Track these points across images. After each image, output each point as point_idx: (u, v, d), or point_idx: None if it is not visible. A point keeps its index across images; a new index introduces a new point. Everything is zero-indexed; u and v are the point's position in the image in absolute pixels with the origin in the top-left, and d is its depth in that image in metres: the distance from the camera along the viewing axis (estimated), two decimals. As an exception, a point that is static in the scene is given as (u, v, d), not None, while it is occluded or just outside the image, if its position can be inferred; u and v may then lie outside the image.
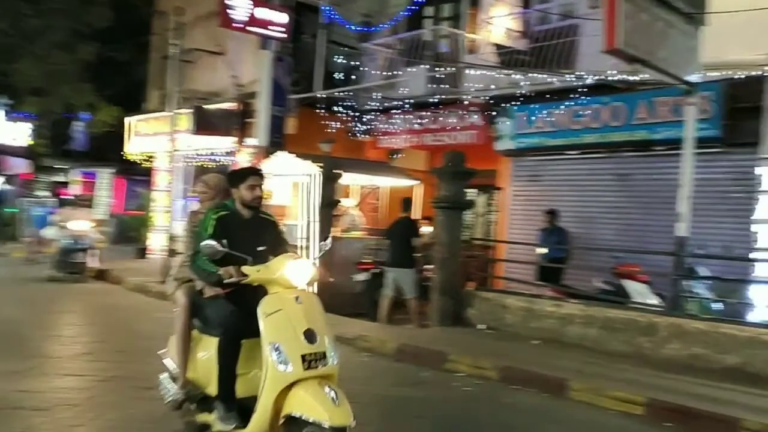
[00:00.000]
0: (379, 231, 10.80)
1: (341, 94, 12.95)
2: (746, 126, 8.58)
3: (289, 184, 11.63)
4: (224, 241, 3.76)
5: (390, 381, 6.38)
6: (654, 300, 7.94)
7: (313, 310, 3.73)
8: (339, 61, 13.33)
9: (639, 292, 7.99)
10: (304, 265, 3.82)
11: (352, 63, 13.37)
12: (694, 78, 7.42)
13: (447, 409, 5.56)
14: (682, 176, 7.49)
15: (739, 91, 8.69)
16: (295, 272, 3.73)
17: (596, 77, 9.40)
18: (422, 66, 12.01)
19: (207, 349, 4.04)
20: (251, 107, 13.61)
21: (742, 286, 8.29)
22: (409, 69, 12.21)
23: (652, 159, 9.81)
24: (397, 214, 9.64)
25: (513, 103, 10.99)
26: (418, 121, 12.61)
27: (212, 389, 3.91)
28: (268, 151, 12.41)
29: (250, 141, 13.61)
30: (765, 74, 8.16)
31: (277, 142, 12.59)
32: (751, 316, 7.75)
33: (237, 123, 13.90)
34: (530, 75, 10.33)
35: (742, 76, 8.44)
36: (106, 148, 20.51)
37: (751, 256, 8.35)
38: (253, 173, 4.16)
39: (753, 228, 8.44)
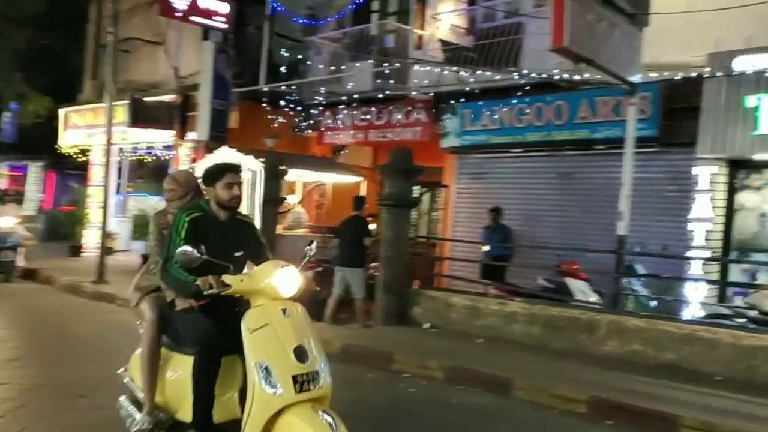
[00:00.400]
0: (326, 229, 10.67)
1: (286, 88, 12.72)
2: (683, 126, 8.80)
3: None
4: (202, 248, 3.37)
5: (335, 383, 6.24)
6: (594, 297, 8.08)
7: (302, 323, 3.36)
8: (284, 54, 13.08)
9: (580, 289, 8.12)
10: (293, 273, 3.39)
11: (298, 56, 13.14)
12: (635, 78, 7.55)
13: (392, 411, 5.49)
14: (623, 175, 7.63)
15: (676, 92, 8.90)
16: (283, 281, 3.33)
17: (541, 76, 9.49)
18: (368, 61, 11.91)
19: (178, 369, 3.68)
20: (192, 100, 13.26)
21: (678, 283, 8.54)
22: (355, 64, 12.09)
23: (593, 158, 9.98)
24: (343, 211, 9.53)
25: (459, 100, 11.01)
26: (364, 116, 12.50)
27: (184, 414, 3.56)
28: (209, 145, 12.10)
29: (190, 135, 13.24)
30: (701, 76, 8.38)
31: (219, 136, 12.30)
32: (687, 313, 7.98)
33: (177, 116, 13.52)
34: (477, 72, 10.35)
35: (679, 78, 8.65)
36: (37, 141, 19.60)
37: (687, 254, 8.60)
38: (231, 170, 3.77)
39: (689, 226, 8.71)
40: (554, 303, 7.70)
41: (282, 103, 12.91)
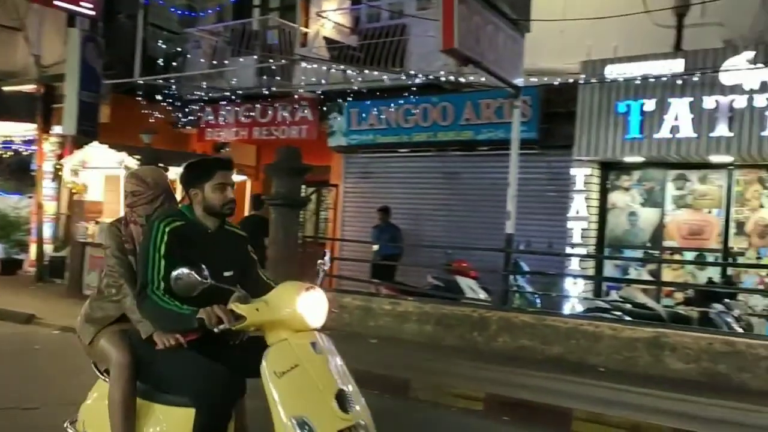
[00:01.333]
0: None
1: (163, 81, 12.05)
2: (560, 130, 9.25)
3: (101, 177, 10.61)
4: (205, 269, 2.63)
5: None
6: (483, 295, 8.30)
7: (336, 359, 2.68)
8: (161, 46, 12.39)
9: (470, 287, 8.30)
10: (320, 297, 2.67)
11: (176, 49, 12.50)
12: (519, 81, 7.83)
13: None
14: (510, 176, 7.88)
15: (553, 97, 9.36)
16: (310, 308, 2.61)
17: (427, 77, 9.61)
18: (252, 56, 11.54)
19: (163, 425, 2.87)
20: (57, 91, 12.21)
21: (560, 279, 8.96)
22: (238, 59, 11.68)
23: (477, 158, 10.28)
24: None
25: (346, 99, 10.93)
26: (248, 113, 12.11)
27: None
28: (77, 140, 11.21)
29: (56, 129, 12.21)
30: (577, 82, 8.84)
31: (88, 130, 11.42)
32: (569, 308, 8.39)
33: (39, 108, 12.40)
34: (364, 72, 10.32)
35: (558, 83, 9.07)
36: None
37: (567, 251, 9.05)
38: (222, 166, 2.95)
39: (568, 225, 9.16)
40: (446, 301, 7.81)
41: (159, 97, 12.23)
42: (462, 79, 9.15)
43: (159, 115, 12.24)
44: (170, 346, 2.80)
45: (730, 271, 8.57)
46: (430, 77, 9.57)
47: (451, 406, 5.63)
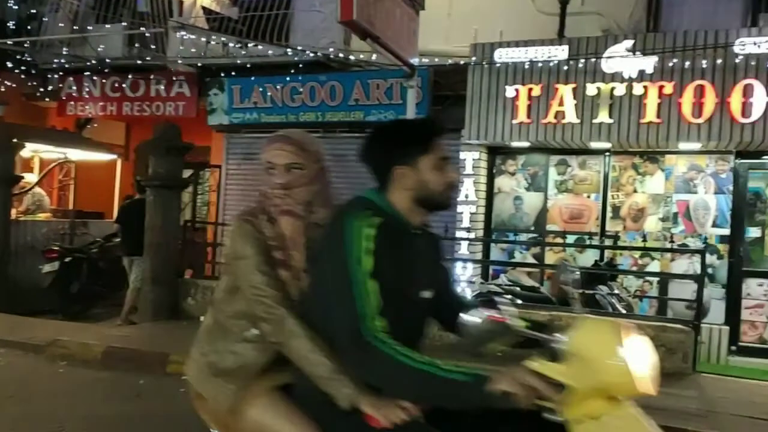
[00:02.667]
0: (74, 213, 9.29)
1: (15, 47, 10.74)
2: (451, 113, 9.20)
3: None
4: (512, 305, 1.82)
5: (99, 395, 5.35)
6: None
7: None
8: (12, 7, 11.05)
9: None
10: (644, 342, 1.71)
11: (30, 11, 11.20)
12: (414, 61, 7.65)
13: (172, 422, 4.80)
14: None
15: (444, 80, 9.29)
16: (644, 365, 1.66)
17: (317, 53, 9.22)
18: (121, 23, 10.57)
19: None
20: None
21: (451, 265, 8.94)
22: (105, 25, 10.65)
23: (366, 140, 10.03)
24: (94, 193, 8.38)
25: (228, 74, 10.28)
26: (116, 87, 11.09)
27: None
28: None
29: None
30: (467, 65, 8.82)
31: None
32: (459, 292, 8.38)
33: None
34: (247, 46, 9.74)
35: (450, 64, 9.02)
36: None
37: (458, 235, 9.06)
38: (438, 132, 2.04)
39: (458, 209, 9.16)
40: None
41: (10, 64, 10.90)
42: (352, 57, 8.84)
43: (11, 85, 10.93)
44: (400, 421, 1.70)
45: (608, 253, 8.93)
46: (319, 54, 9.18)
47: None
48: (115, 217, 8.65)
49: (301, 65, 9.55)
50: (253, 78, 10.18)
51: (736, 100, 7.68)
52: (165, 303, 7.63)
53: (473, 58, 8.64)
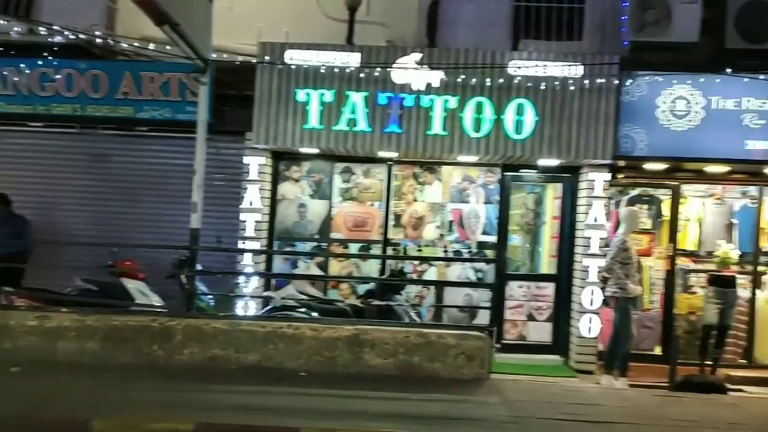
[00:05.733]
0: None
1: None
2: (234, 114, 8.60)
3: None
4: None
5: None
6: (156, 299, 7.15)
7: None
8: None
9: (140, 291, 7.07)
10: None
11: None
12: (211, 55, 6.92)
13: None
14: (196, 163, 6.89)
15: (228, 78, 8.61)
16: None
17: (78, 35, 7.91)
18: None
19: None
20: None
21: (234, 277, 8.32)
22: None
23: (135, 140, 8.93)
24: None
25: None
26: None
27: None
28: None
29: None
30: (255, 64, 8.27)
31: None
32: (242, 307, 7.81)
33: None
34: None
35: (238, 62, 8.39)
36: None
37: (240, 245, 8.45)
38: None
39: (241, 217, 8.56)
40: (115, 311, 6.46)
41: None
42: (125, 45, 7.75)
43: None
44: None
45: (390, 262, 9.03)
46: (80, 36, 7.88)
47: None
48: None
49: (56, 48, 8.12)
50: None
51: (509, 117, 8.29)
52: None
53: (266, 57, 8.13)
